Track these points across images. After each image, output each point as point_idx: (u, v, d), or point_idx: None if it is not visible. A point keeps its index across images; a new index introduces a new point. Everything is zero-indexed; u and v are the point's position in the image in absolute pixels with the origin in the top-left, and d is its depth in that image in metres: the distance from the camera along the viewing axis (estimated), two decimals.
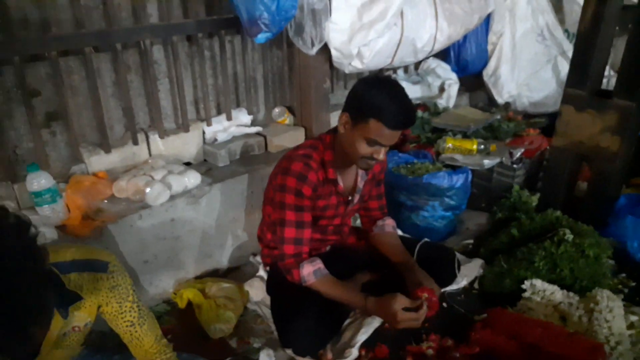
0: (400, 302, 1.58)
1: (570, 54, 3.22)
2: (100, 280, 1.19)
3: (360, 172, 1.85)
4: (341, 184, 1.79)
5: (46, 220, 1.77)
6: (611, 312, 1.70)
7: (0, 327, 0.83)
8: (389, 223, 2.00)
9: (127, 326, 1.27)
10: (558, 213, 2.23)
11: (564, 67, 3.38)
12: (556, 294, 1.86)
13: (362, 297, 1.67)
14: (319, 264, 1.71)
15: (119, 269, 1.23)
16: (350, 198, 1.85)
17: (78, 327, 1.20)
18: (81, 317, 1.20)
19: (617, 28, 2.21)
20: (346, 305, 1.78)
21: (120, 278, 1.23)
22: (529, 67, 3.46)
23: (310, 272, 1.68)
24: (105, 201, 1.94)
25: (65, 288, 1.13)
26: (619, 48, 2.32)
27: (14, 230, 0.90)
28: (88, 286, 1.17)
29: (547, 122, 3.16)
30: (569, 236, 2.00)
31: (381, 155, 1.60)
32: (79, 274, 1.16)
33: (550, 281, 1.91)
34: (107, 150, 2.04)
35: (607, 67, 2.39)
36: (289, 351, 1.75)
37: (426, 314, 1.62)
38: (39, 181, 1.75)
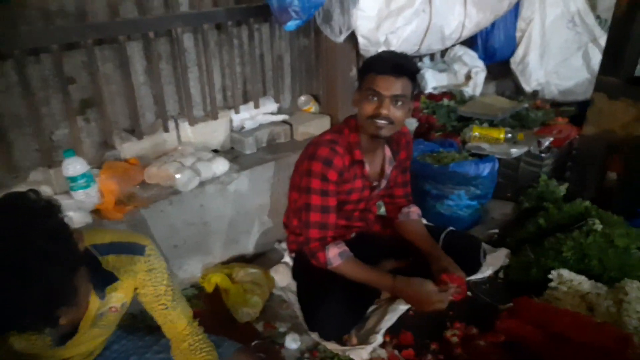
0: (430, 285, 1.63)
1: (602, 41, 3.16)
2: (137, 263, 1.23)
3: (388, 157, 1.85)
4: (367, 167, 1.80)
5: (81, 204, 1.83)
6: None
7: (27, 306, 0.87)
8: (414, 211, 2.01)
9: (161, 309, 1.31)
10: (587, 203, 2.20)
11: (595, 55, 3.30)
12: (584, 284, 1.84)
13: (390, 276, 1.70)
14: (344, 247, 1.74)
15: (155, 253, 1.27)
16: (376, 183, 1.87)
17: (115, 308, 1.25)
18: (118, 297, 1.24)
19: None
20: (372, 288, 1.80)
21: (156, 261, 1.27)
22: (559, 55, 3.39)
23: (336, 254, 1.71)
24: (137, 187, 2.00)
25: (102, 269, 1.17)
26: None
27: (45, 211, 0.94)
28: (125, 268, 1.21)
29: (577, 111, 3.10)
30: (598, 226, 1.97)
31: (383, 109, 1.61)
32: (117, 255, 1.20)
33: (579, 271, 1.89)
34: (139, 137, 2.09)
35: None
36: (315, 335, 1.79)
37: (454, 298, 1.65)
38: (75, 166, 1.80)
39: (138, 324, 1.83)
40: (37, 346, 1.16)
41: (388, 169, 1.86)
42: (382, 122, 1.63)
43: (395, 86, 1.60)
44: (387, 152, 1.86)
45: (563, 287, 1.85)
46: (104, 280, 1.18)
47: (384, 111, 1.61)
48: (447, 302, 1.64)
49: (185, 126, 2.23)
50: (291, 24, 2.08)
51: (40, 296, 0.87)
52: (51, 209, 0.96)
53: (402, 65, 1.61)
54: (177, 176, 1.95)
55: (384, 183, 1.88)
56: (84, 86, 1.97)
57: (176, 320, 1.33)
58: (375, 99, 1.62)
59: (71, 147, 1.91)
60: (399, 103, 1.62)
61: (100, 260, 1.17)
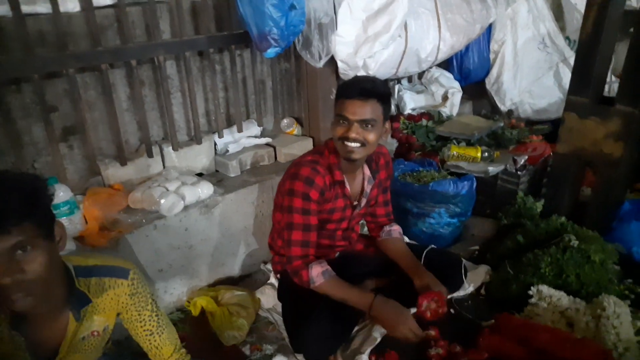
0: (406, 315, 1.67)
1: (572, 60, 3.27)
2: (120, 286, 1.23)
3: (367, 176, 1.90)
4: (348, 187, 1.84)
5: None
6: (618, 318, 1.72)
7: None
8: (395, 229, 2.05)
9: (146, 335, 1.31)
10: (563, 219, 2.27)
11: (566, 74, 3.43)
12: (563, 299, 1.89)
13: (370, 296, 1.72)
14: (326, 266, 1.76)
15: (139, 277, 1.28)
16: (357, 202, 1.91)
17: (97, 332, 1.24)
18: (100, 321, 1.24)
19: (617, 34, 2.25)
20: (355, 309, 1.82)
21: (140, 286, 1.27)
22: (531, 75, 3.51)
23: (319, 272, 1.73)
24: (121, 212, 2.00)
25: (76, 289, 1.16)
26: (620, 53, 2.35)
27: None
28: (108, 291, 1.21)
29: (550, 129, 3.20)
30: (575, 242, 2.03)
31: (351, 133, 1.65)
32: (100, 278, 1.20)
33: (557, 287, 1.94)
34: (123, 162, 2.10)
35: (609, 73, 2.42)
36: (300, 357, 1.79)
37: (435, 315, 1.69)
38: (58, 194, 1.79)
39: (123, 350, 1.81)
40: None
41: (367, 188, 1.91)
42: (352, 144, 1.68)
43: (362, 110, 1.65)
44: (367, 171, 1.90)
45: (543, 303, 1.89)
46: (78, 300, 1.17)
47: (352, 134, 1.66)
48: (420, 337, 1.66)
49: (169, 151, 2.25)
50: (271, 51, 2.14)
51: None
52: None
53: (368, 90, 1.65)
54: (162, 201, 1.96)
55: (364, 201, 1.92)
56: (66, 114, 1.98)
57: (162, 347, 1.33)
58: (345, 123, 1.67)
59: (54, 175, 1.91)
60: (368, 126, 1.66)
61: (75, 281, 1.17)
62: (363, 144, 1.68)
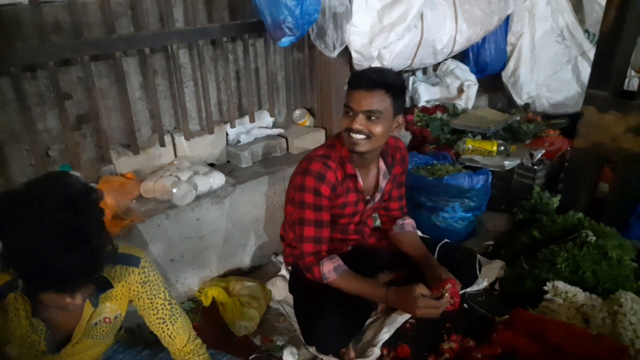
0: (421, 289, 1.63)
1: (590, 54, 3.22)
2: (132, 274, 1.24)
3: (382, 171, 1.87)
4: (360, 181, 1.81)
5: None
6: (636, 315, 1.69)
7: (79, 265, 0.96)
8: (408, 222, 2.03)
9: (159, 323, 1.31)
10: (580, 215, 2.22)
11: (585, 68, 3.36)
12: (579, 295, 1.86)
13: (384, 288, 1.71)
14: (338, 261, 1.75)
15: (150, 266, 1.28)
16: (370, 197, 1.88)
17: (108, 319, 1.25)
18: (112, 308, 1.25)
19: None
20: (369, 301, 1.81)
21: (151, 274, 1.27)
22: (549, 68, 3.44)
23: (331, 268, 1.72)
24: (134, 201, 2.00)
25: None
26: (639, 47, 2.30)
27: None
28: (119, 279, 1.22)
29: (568, 123, 3.14)
30: (592, 238, 2.00)
31: (355, 124, 1.62)
32: (112, 266, 1.21)
33: (572, 283, 1.91)
34: (135, 151, 2.10)
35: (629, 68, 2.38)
36: (312, 349, 1.78)
37: (448, 307, 1.64)
38: None
39: (135, 338, 1.82)
40: (31, 354, 1.16)
41: (382, 183, 1.88)
42: (357, 136, 1.64)
43: (367, 101, 1.60)
44: (382, 165, 1.87)
45: (558, 298, 1.87)
46: (99, 286, 1.18)
47: (356, 125, 1.62)
48: (441, 309, 1.63)
49: (181, 140, 2.24)
50: (285, 40, 2.11)
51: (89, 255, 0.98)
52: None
53: (374, 80, 1.60)
54: (174, 190, 1.95)
55: (377, 196, 1.90)
56: (80, 101, 1.98)
57: (175, 335, 1.33)
58: (351, 113, 1.64)
59: (67, 162, 1.92)
60: (373, 118, 1.62)
61: None
62: (368, 136, 1.63)
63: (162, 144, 2.17)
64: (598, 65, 2.23)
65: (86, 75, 1.89)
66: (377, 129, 1.63)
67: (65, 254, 0.94)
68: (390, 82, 1.62)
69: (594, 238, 2.00)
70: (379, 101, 1.61)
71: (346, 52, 2.41)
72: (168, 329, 1.32)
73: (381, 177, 1.87)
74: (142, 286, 1.26)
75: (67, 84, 1.93)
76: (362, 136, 1.63)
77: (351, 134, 1.64)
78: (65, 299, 1.03)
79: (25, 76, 1.82)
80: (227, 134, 2.42)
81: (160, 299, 1.30)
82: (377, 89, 1.60)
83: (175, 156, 2.26)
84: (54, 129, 1.94)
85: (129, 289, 1.25)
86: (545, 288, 1.91)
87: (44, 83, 1.87)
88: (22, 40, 1.75)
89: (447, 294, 1.63)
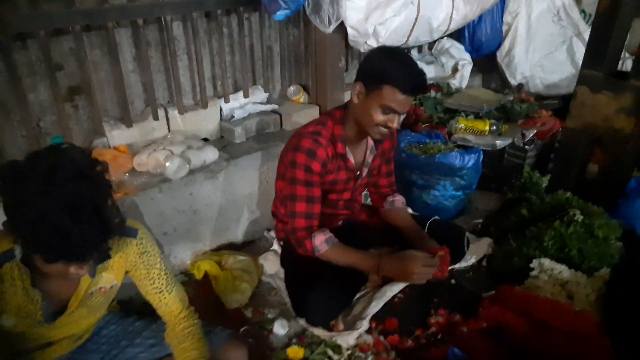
0: (415, 252, 1.67)
1: (586, 35, 3.21)
2: (129, 245, 1.25)
3: (370, 146, 1.88)
4: (351, 159, 1.82)
5: None
6: None
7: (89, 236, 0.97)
8: (398, 199, 2.05)
9: (155, 293, 1.33)
10: (568, 194, 2.25)
11: (579, 49, 3.36)
12: (564, 272, 1.90)
13: (376, 257, 1.74)
14: (329, 233, 1.77)
15: (147, 237, 1.29)
16: (358, 173, 1.90)
17: (104, 289, 1.26)
18: (108, 278, 1.26)
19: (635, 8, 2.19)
20: (359, 276, 1.84)
21: (149, 245, 1.28)
22: (544, 48, 3.44)
23: (323, 240, 1.74)
24: (126, 174, 2.00)
25: None
26: (634, 29, 2.30)
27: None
28: (116, 249, 1.23)
29: (560, 104, 3.16)
30: (579, 217, 2.03)
31: (395, 124, 1.63)
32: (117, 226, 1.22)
33: (559, 260, 1.95)
34: (128, 124, 2.09)
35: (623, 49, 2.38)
36: (302, 321, 1.82)
37: (437, 273, 1.69)
38: None
39: (128, 310, 1.84)
40: (27, 324, 1.17)
41: (369, 157, 1.89)
42: (387, 131, 1.68)
43: (409, 104, 1.64)
44: (370, 141, 1.88)
45: (544, 275, 1.91)
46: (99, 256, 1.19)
47: (396, 125, 1.64)
48: (432, 272, 1.68)
49: (174, 114, 2.23)
50: (280, 14, 2.09)
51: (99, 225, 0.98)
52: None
53: (423, 85, 1.62)
54: (167, 164, 1.95)
55: (365, 171, 1.91)
56: (72, 73, 1.96)
57: (171, 304, 1.35)
58: (391, 114, 1.63)
59: (59, 134, 1.91)
60: (404, 115, 1.67)
61: None
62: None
63: (156, 118, 2.16)
64: (593, 46, 2.23)
65: (78, 45, 1.87)
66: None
67: (79, 224, 0.94)
68: None
69: (581, 217, 2.03)
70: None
71: (342, 28, 2.38)
72: (165, 298, 1.34)
73: (368, 152, 1.88)
74: (139, 257, 1.27)
75: (59, 55, 1.90)
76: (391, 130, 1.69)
77: (382, 128, 1.66)
78: (70, 268, 1.04)
79: (16, 46, 1.79)
80: (221, 109, 2.41)
81: (157, 269, 1.31)
82: None
83: (169, 130, 2.25)
84: (46, 100, 1.92)
85: (127, 259, 1.26)
86: (532, 265, 1.95)
87: (35, 53, 1.84)
88: (12, 8, 1.71)
89: (437, 258, 1.68)
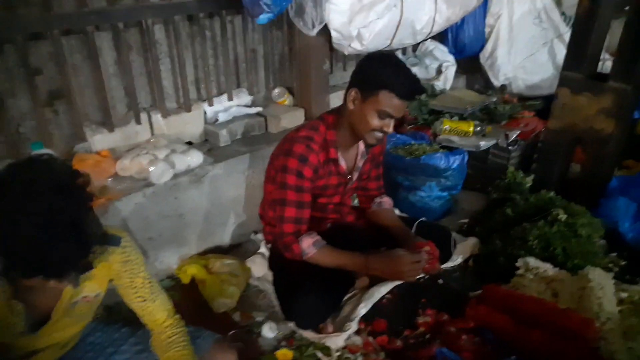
0: (400, 250, 1.69)
1: (566, 37, 3.25)
2: (112, 254, 1.22)
3: (360, 151, 1.88)
4: (343, 164, 1.82)
5: None
6: (602, 290, 1.74)
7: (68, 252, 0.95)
8: (386, 200, 2.06)
9: (139, 302, 1.30)
10: (552, 194, 2.28)
11: (560, 50, 3.41)
12: (549, 271, 1.92)
13: (363, 256, 1.73)
14: (316, 236, 1.76)
15: (131, 245, 1.27)
16: (349, 177, 1.90)
17: (88, 298, 1.23)
18: (92, 287, 1.23)
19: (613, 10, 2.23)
20: (347, 278, 1.83)
21: (132, 253, 1.26)
22: (526, 50, 3.48)
23: (310, 244, 1.73)
24: (109, 179, 1.97)
25: None
26: (613, 31, 2.35)
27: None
28: (100, 258, 1.20)
29: (543, 105, 3.19)
30: (562, 216, 2.05)
31: (390, 128, 1.66)
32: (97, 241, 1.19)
33: (544, 259, 1.97)
34: (110, 129, 2.06)
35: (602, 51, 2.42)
36: (291, 324, 1.81)
37: (426, 267, 1.71)
38: None
39: (114, 316, 1.81)
40: (9, 334, 1.15)
41: (360, 162, 1.90)
42: (381, 135, 1.70)
43: (404, 108, 1.67)
44: (361, 146, 1.89)
45: (529, 274, 1.92)
46: (80, 267, 1.16)
47: (390, 130, 1.67)
48: (421, 269, 1.70)
49: (157, 118, 2.21)
50: (263, 17, 2.08)
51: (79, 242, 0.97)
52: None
53: (418, 90, 1.67)
54: (151, 168, 1.93)
55: (355, 176, 1.91)
56: (51, 77, 1.92)
57: (155, 313, 1.33)
58: (387, 119, 1.65)
59: (39, 140, 1.87)
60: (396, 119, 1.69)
61: None
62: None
63: (138, 122, 2.13)
64: (573, 48, 2.27)
65: (57, 50, 1.84)
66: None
67: (55, 240, 0.92)
68: None
69: (565, 216, 2.06)
70: None
71: (325, 31, 2.38)
72: (148, 307, 1.32)
73: (359, 157, 1.89)
74: (122, 266, 1.25)
75: (37, 59, 1.86)
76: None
77: (378, 133, 1.68)
78: (50, 282, 1.02)
79: None
80: (205, 113, 2.39)
81: (141, 277, 1.29)
82: None
83: (152, 134, 2.22)
84: (25, 105, 1.88)
85: (110, 268, 1.24)
86: (517, 264, 1.97)
87: (13, 58, 1.80)
88: None
89: (425, 254, 1.69)
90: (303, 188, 1.72)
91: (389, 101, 1.61)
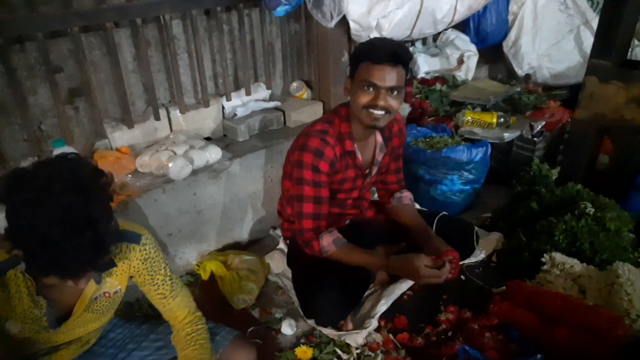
0: (422, 260, 1.62)
1: (594, 23, 3.15)
2: (132, 251, 1.23)
3: (379, 144, 1.85)
4: (359, 156, 1.79)
5: None
6: (632, 286, 1.69)
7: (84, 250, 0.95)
8: (406, 195, 2.01)
9: (159, 298, 1.31)
10: (579, 186, 2.21)
11: (587, 38, 3.29)
12: (576, 267, 1.86)
13: (384, 257, 1.70)
14: (337, 234, 1.74)
15: (151, 242, 1.27)
16: (367, 171, 1.87)
17: (108, 294, 1.25)
18: (112, 284, 1.24)
19: None
20: (367, 274, 1.81)
21: (152, 251, 1.27)
22: (551, 38, 3.37)
23: (330, 241, 1.71)
24: (129, 176, 1.98)
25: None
26: None
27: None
28: (120, 255, 1.21)
29: (569, 94, 3.10)
30: (590, 209, 1.99)
31: (381, 101, 1.59)
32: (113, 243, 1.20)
33: (570, 254, 1.91)
34: (130, 125, 2.07)
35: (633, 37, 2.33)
36: (311, 322, 1.80)
37: (448, 276, 1.64)
38: None
39: (135, 312, 1.84)
40: (32, 329, 1.16)
41: (379, 156, 1.86)
42: (379, 112, 1.61)
43: (391, 76, 1.57)
44: (379, 138, 1.85)
45: (555, 270, 1.87)
46: (103, 264, 1.16)
47: (381, 102, 1.59)
48: (443, 278, 1.62)
49: (176, 114, 2.21)
50: (280, 10, 2.06)
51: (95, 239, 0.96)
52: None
53: (398, 55, 1.57)
54: (170, 165, 1.93)
55: (374, 170, 1.88)
56: (71, 75, 1.94)
57: (175, 310, 1.33)
58: (372, 89, 1.59)
59: (61, 137, 1.90)
60: (395, 93, 1.60)
61: None
62: (388, 111, 1.62)
63: (157, 118, 2.14)
64: (601, 35, 2.18)
65: (77, 47, 1.85)
66: (397, 104, 1.63)
67: (70, 239, 0.92)
68: (409, 57, 1.63)
69: (593, 210, 1.99)
70: (401, 76, 1.60)
71: (344, 22, 2.34)
72: (169, 304, 1.32)
73: (377, 151, 1.85)
74: (142, 263, 1.25)
75: (58, 57, 1.88)
76: (383, 112, 1.61)
77: (372, 110, 1.61)
78: (67, 282, 1.02)
79: (14, 48, 1.77)
80: (223, 108, 2.38)
81: (161, 275, 1.29)
82: (399, 64, 1.58)
83: (171, 130, 2.23)
84: (46, 103, 1.91)
85: (130, 265, 1.25)
86: (543, 259, 1.92)
87: (34, 56, 1.82)
88: (9, 11, 1.69)
89: (448, 264, 1.63)
90: (320, 183, 1.69)
91: (367, 69, 1.58)
